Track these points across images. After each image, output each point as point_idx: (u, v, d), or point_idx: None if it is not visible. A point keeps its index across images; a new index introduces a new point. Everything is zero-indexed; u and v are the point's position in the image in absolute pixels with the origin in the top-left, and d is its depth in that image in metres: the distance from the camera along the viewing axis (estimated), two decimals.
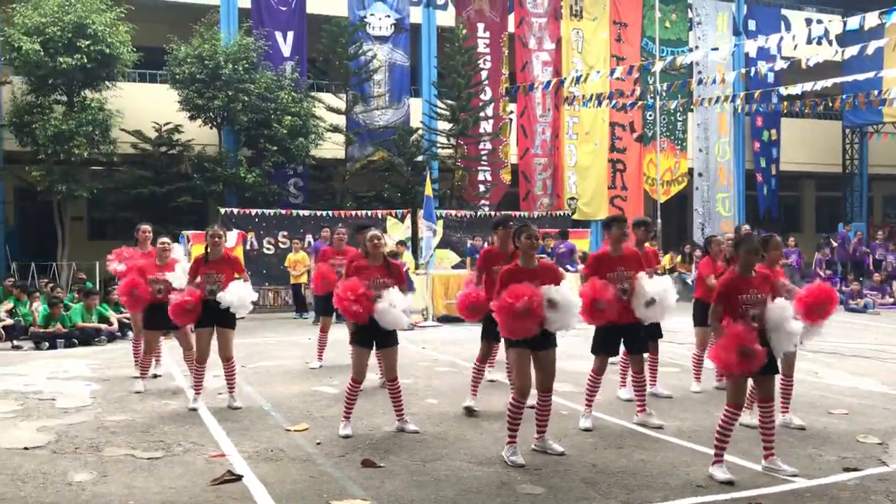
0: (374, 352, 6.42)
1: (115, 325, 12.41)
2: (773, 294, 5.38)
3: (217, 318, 7.24)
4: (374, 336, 6.29)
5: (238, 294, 7.16)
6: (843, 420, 6.82)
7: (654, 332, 7.25)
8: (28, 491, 4.94)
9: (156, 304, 7.99)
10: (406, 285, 6.59)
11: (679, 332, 10.83)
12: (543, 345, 5.60)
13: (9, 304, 12.71)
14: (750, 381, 5.78)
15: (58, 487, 5.02)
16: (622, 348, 6.84)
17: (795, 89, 17.49)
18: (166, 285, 7.98)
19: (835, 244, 20.02)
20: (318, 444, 6.05)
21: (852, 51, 15.10)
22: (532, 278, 5.54)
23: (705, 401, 7.59)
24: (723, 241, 7.93)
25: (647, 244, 7.65)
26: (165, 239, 8.40)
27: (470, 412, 6.99)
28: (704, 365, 7.97)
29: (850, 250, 19.64)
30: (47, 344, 11.67)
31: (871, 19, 12.95)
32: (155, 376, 8.81)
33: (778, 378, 6.54)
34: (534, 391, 5.68)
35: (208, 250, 7.39)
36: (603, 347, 6.57)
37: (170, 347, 9.90)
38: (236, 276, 7.35)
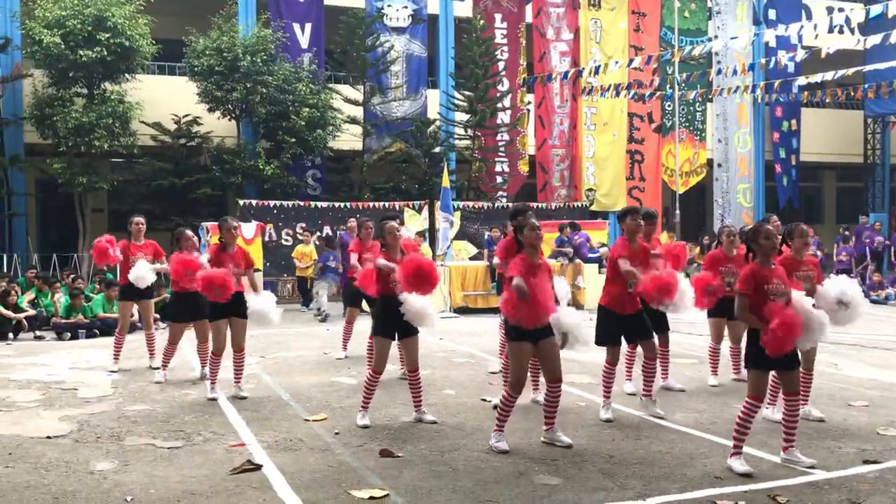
0: (394, 343, 6.44)
1: (136, 317, 12.51)
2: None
3: (231, 308, 7.31)
4: (396, 327, 6.31)
5: (264, 308, 7.29)
6: (863, 412, 6.77)
7: (661, 324, 7.21)
8: (51, 479, 5.01)
9: (183, 295, 8.06)
10: None
11: (696, 323, 10.78)
12: (542, 334, 5.59)
13: (31, 295, 12.86)
14: (772, 376, 5.76)
15: (80, 476, 5.09)
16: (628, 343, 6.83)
17: (816, 78, 17.30)
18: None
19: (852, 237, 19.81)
20: (337, 433, 6.09)
21: (875, 39, 14.90)
22: (540, 273, 5.57)
23: (723, 392, 7.56)
24: (735, 232, 7.87)
25: (668, 238, 7.62)
26: (140, 218, 9.08)
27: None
28: (722, 356, 7.96)
29: (867, 242, 19.40)
30: (69, 334, 11.82)
31: (894, 7, 12.77)
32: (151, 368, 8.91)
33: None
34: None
35: (223, 241, 7.43)
36: (607, 338, 6.55)
37: (189, 339, 9.97)
38: (245, 269, 7.48)
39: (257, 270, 15.52)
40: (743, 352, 5.63)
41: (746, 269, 5.32)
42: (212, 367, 7.46)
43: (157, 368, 8.56)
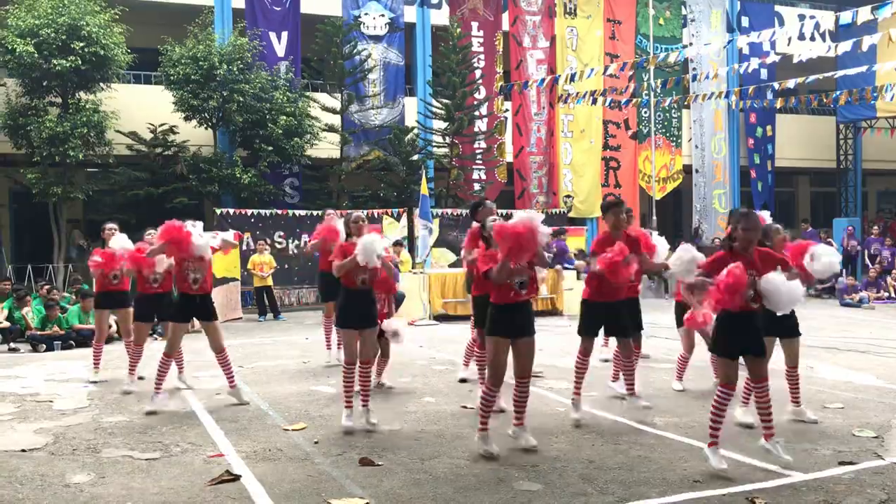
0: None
1: (115, 328, 12.40)
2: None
3: (196, 312, 7.29)
4: (357, 317, 6.47)
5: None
6: (838, 414, 6.85)
7: (636, 323, 7.31)
8: (26, 493, 4.95)
9: (143, 296, 8.17)
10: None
11: (673, 327, 10.84)
12: (522, 333, 5.68)
13: (4, 312, 12.67)
14: (746, 379, 5.82)
15: (56, 489, 5.03)
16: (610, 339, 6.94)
17: (789, 84, 17.53)
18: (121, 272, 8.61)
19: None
20: (316, 443, 6.06)
21: (845, 46, 15.12)
22: None
23: (701, 396, 7.62)
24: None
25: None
26: (112, 225, 9.09)
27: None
28: (689, 366, 8.06)
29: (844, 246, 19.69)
30: (44, 346, 11.67)
31: (864, 14, 12.97)
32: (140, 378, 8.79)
33: (784, 371, 6.58)
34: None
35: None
36: (583, 328, 6.69)
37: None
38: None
39: (234, 280, 15.48)
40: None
41: (713, 255, 5.42)
42: (160, 370, 7.26)
43: (142, 378, 8.46)
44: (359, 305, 6.48)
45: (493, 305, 5.69)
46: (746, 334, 5.29)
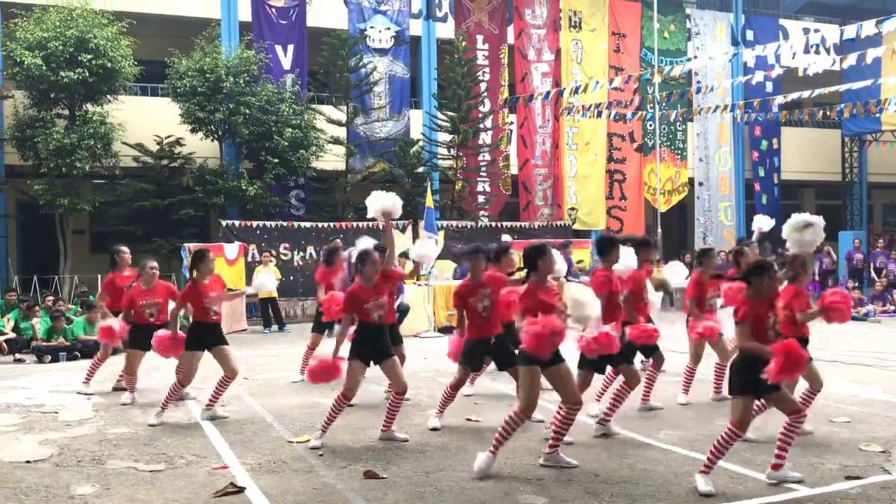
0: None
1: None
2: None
3: (213, 339, 7.27)
4: (371, 352, 6.33)
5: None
6: (844, 428, 6.82)
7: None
8: None
9: (142, 326, 8.04)
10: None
11: (680, 339, 10.80)
12: (553, 361, 5.56)
13: (10, 323, 12.70)
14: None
15: (60, 501, 5.03)
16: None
17: (794, 97, 17.56)
18: (157, 307, 8.08)
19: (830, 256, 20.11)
20: (321, 455, 6.06)
21: (850, 59, 15.15)
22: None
23: (707, 410, 7.60)
24: (716, 256, 7.95)
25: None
26: (153, 264, 8.35)
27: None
28: (697, 379, 8.01)
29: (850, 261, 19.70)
30: (50, 357, 11.69)
31: (868, 28, 13.00)
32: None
33: (802, 389, 6.44)
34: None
35: (195, 275, 7.29)
36: (588, 362, 6.41)
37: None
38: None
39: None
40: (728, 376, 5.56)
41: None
42: (170, 395, 7.30)
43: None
44: (375, 341, 6.33)
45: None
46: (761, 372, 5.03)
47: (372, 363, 6.37)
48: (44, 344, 11.89)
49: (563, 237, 17.85)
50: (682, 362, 10.06)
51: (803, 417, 5.28)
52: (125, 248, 9.26)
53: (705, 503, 4.89)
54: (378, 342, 6.36)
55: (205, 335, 7.23)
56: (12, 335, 12.25)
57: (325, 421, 6.39)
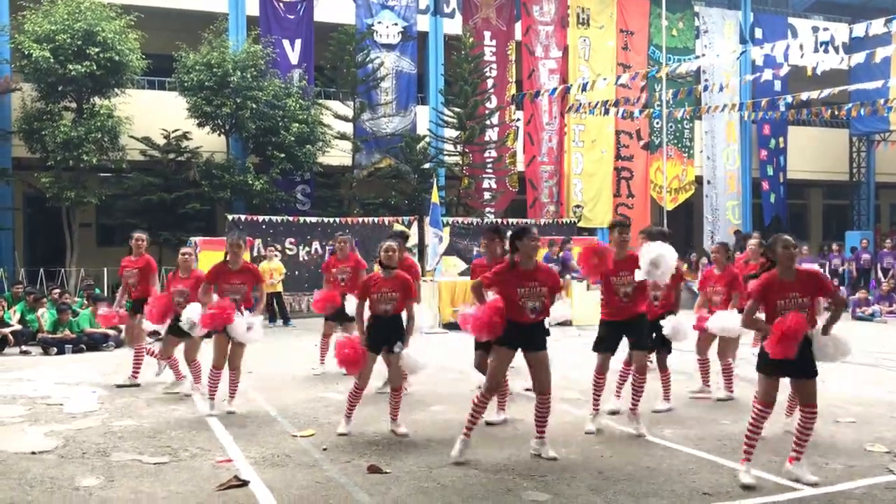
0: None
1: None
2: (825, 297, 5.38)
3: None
4: (382, 342, 6.41)
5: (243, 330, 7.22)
6: (849, 428, 6.79)
7: (664, 343, 7.28)
8: (35, 495, 4.96)
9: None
10: (416, 297, 6.70)
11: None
12: (532, 346, 5.67)
13: (17, 315, 12.74)
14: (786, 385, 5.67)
15: (65, 492, 5.04)
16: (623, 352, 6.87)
17: (802, 96, 17.50)
18: (186, 296, 8.06)
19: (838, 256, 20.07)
20: (325, 449, 6.06)
21: (858, 58, 15.09)
22: (531, 279, 5.66)
23: (711, 408, 7.58)
24: (730, 249, 7.95)
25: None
26: (187, 249, 8.49)
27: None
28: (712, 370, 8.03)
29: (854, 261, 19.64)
30: (56, 349, 11.73)
31: (877, 26, 12.95)
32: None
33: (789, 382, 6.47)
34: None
35: (228, 259, 7.37)
36: (599, 344, 6.62)
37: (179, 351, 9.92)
38: (255, 286, 7.48)
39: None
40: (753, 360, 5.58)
41: (759, 279, 5.28)
42: (211, 382, 7.35)
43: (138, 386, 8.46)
44: (387, 331, 6.42)
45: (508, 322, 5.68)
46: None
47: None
48: (50, 336, 11.92)
49: (568, 234, 17.85)
50: (681, 361, 10.06)
51: (815, 415, 5.26)
52: (141, 234, 9.15)
53: (709, 501, 4.88)
54: (387, 333, 6.42)
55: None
56: (18, 327, 12.29)
57: (346, 410, 6.54)
